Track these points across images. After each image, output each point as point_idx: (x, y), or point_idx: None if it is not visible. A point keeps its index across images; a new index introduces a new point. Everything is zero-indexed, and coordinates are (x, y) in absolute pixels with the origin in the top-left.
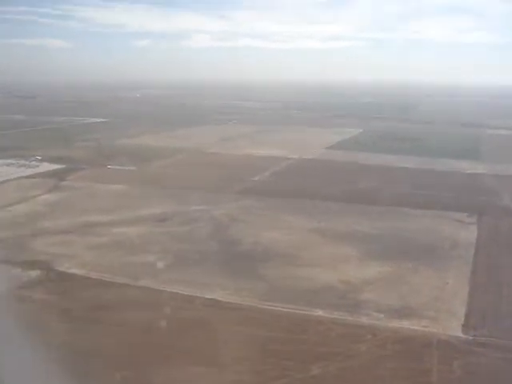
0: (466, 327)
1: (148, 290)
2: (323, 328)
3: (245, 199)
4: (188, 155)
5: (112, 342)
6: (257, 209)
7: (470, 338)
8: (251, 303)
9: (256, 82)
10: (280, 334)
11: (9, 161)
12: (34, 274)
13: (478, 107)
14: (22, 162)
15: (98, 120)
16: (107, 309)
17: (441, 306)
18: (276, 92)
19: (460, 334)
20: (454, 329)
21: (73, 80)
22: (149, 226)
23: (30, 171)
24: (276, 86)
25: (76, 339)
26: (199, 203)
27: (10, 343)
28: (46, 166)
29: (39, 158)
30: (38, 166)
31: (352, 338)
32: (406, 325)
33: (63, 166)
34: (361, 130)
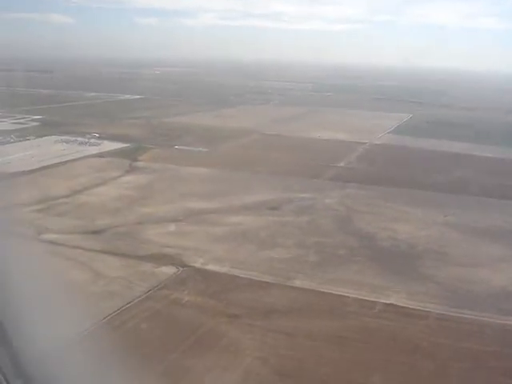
0: None
1: (310, 292)
2: None
3: (346, 187)
4: (252, 137)
5: (318, 360)
6: (366, 198)
7: None
8: (436, 309)
9: (267, 62)
10: (494, 347)
11: (66, 137)
12: (170, 271)
13: (506, 93)
14: (81, 139)
15: (134, 97)
16: (280, 315)
17: None
18: (295, 72)
19: None
20: None
21: (79, 55)
22: (262, 214)
23: (94, 149)
24: (290, 66)
25: (272, 355)
26: (300, 190)
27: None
28: (109, 145)
29: (96, 135)
30: (99, 143)
31: None
32: None
33: (127, 144)
34: (411, 115)
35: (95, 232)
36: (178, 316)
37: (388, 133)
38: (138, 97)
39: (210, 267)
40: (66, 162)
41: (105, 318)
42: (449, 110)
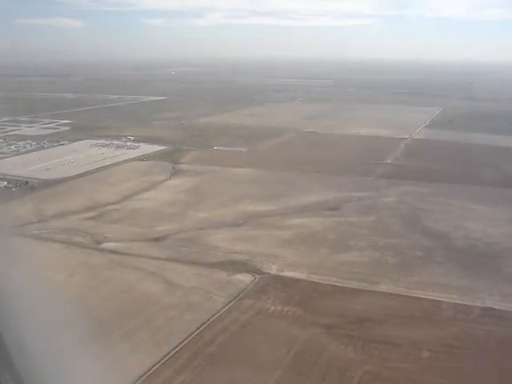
0: None
1: (399, 297)
2: None
3: (400, 184)
4: (290, 135)
5: (434, 372)
6: (425, 195)
7: None
8: None
9: (279, 59)
10: None
11: (101, 141)
12: (247, 279)
13: None
14: (116, 142)
15: (157, 98)
16: (375, 324)
17: None
18: (311, 69)
19: None
20: None
21: (91, 59)
22: (324, 215)
23: (133, 153)
24: (303, 63)
25: (383, 368)
26: (355, 189)
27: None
28: (147, 148)
29: (131, 137)
30: (137, 146)
31: None
32: None
33: (164, 146)
34: (440, 109)
35: (156, 239)
36: (269, 328)
37: (425, 127)
38: (161, 98)
39: (287, 274)
40: (107, 166)
41: (194, 332)
42: (475, 102)
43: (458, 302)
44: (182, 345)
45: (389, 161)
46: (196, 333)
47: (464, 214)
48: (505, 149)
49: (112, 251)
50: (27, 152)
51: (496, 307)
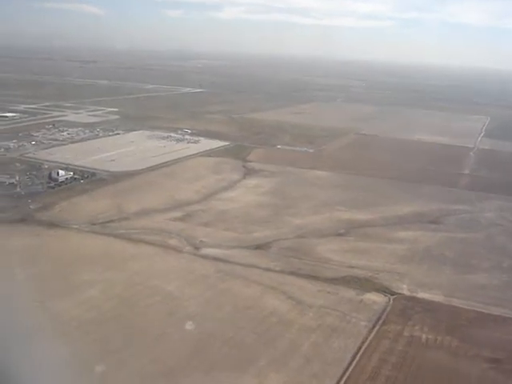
0: None
1: None
2: None
3: (491, 198)
4: (351, 137)
5: None
6: None
7: None
8: None
9: (302, 57)
10: None
11: (157, 133)
12: (380, 299)
13: None
14: (174, 135)
15: (194, 90)
16: None
17: None
18: (338, 69)
19: None
20: None
21: (113, 46)
22: (429, 229)
23: (196, 147)
24: (328, 62)
25: None
26: (447, 201)
27: None
28: (208, 143)
29: (188, 131)
30: (197, 141)
31: None
32: None
33: (225, 142)
34: (489, 118)
35: (259, 247)
36: (432, 361)
37: (483, 136)
38: (199, 90)
39: (422, 295)
40: (174, 160)
41: (351, 364)
42: None
43: None
44: (344, 378)
45: (467, 171)
46: (353, 364)
47: None
48: None
49: (215, 258)
50: (82, 140)
51: None
